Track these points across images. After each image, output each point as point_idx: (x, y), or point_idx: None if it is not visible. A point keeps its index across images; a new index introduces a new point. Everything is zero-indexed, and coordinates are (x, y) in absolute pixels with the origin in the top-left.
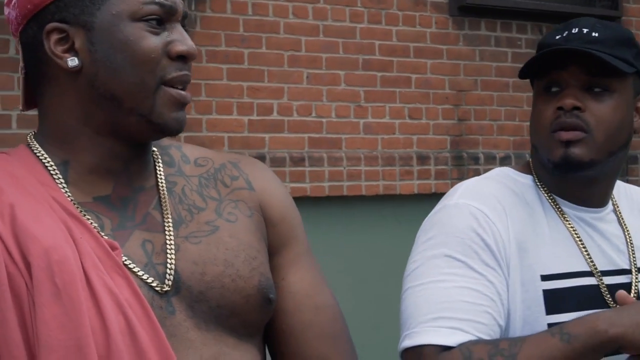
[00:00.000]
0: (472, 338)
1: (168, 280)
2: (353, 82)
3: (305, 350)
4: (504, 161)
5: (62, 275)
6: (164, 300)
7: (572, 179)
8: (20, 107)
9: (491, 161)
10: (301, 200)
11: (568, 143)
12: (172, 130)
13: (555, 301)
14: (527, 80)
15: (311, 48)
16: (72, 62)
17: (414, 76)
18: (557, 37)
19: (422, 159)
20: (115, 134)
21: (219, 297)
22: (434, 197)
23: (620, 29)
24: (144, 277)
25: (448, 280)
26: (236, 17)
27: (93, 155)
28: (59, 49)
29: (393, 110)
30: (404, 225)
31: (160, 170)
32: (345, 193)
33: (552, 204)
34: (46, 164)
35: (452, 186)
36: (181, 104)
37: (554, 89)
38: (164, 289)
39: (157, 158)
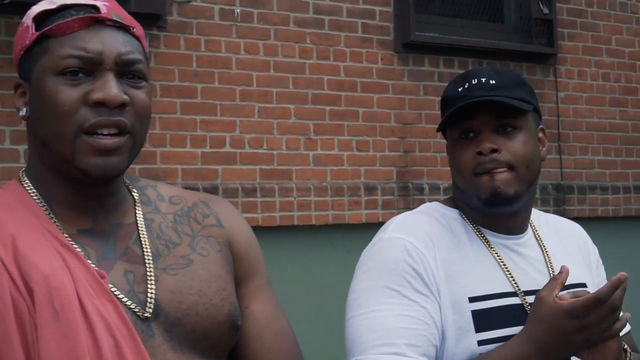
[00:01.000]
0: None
1: (149, 307)
2: (303, 116)
3: None
4: (448, 191)
5: (60, 300)
6: (144, 324)
7: (496, 213)
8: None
9: (435, 191)
10: (253, 230)
11: (493, 182)
12: (94, 176)
13: (483, 320)
14: None
15: (262, 83)
16: (21, 112)
17: (361, 110)
18: (460, 89)
19: (370, 190)
20: (67, 176)
21: (193, 323)
22: (381, 226)
23: (512, 73)
24: (128, 302)
25: (385, 310)
26: (189, 53)
27: (63, 193)
28: (20, 102)
29: (341, 142)
30: (353, 253)
31: (138, 208)
32: (295, 223)
33: (477, 233)
34: (35, 199)
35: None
36: (102, 151)
37: (470, 135)
38: (144, 315)
39: (137, 198)
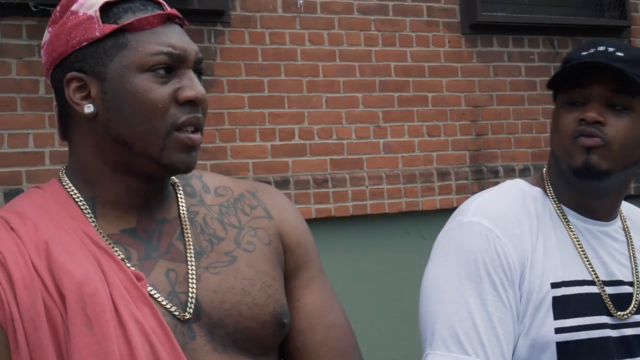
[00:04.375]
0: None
1: (189, 308)
2: (371, 104)
3: None
4: (523, 173)
5: (93, 306)
6: (185, 326)
7: (584, 189)
8: (59, 138)
9: (510, 174)
10: (326, 221)
11: (589, 150)
12: (180, 171)
13: (562, 307)
14: (542, 93)
15: (328, 73)
16: (88, 109)
17: (430, 95)
18: (584, 54)
19: (443, 175)
20: (130, 173)
21: (236, 323)
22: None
23: None
24: (167, 305)
25: (463, 303)
26: (254, 46)
27: (115, 192)
28: (77, 96)
29: (411, 128)
30: (429, 240)
31: (182, 202)
32: (368, 212)
33: (559, 214)
34: (76, 199)
35: None
36: (190, 147)
37: (578, 101)
38: (185, 317)
39: (179, 190)
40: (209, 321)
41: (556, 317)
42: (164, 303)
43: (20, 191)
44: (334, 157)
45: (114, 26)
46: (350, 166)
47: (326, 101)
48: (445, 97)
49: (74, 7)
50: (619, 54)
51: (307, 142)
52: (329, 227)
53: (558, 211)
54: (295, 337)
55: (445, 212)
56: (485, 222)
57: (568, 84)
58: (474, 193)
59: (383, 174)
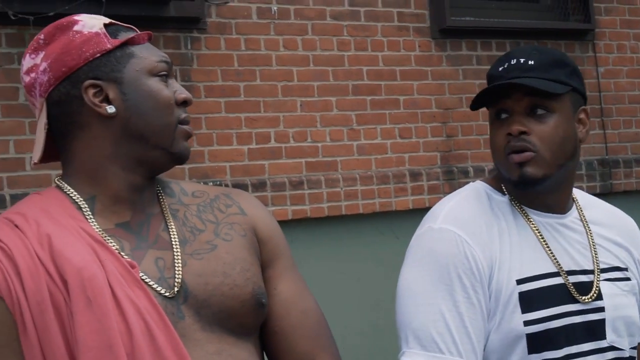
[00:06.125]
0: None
1: (177, 287)
2: (344, 107)
3: (294, 347)
4: (492, 173)
5: (92, 289)
6: (175, 307)
7: (531, 192)
8: (34, 161)
9: (480, 174)
10: (302, 222)
11: (521, 164)
12: (185, 157)
13: (529, 301)
14: None
15: (303, 77)
16: (110, 109)
17: (401, 98)
18: (500, 69)
19: (415, 176)
20: (137, 167)
21: (220, 303)
22: (429, 210)
23: (553, 52)
24: (158, 288)
25: (436, 305)
26: (230, 52)
27: (116, 188)
28: (97, 100)
29: (384, 131)
30: (402, 239)
31: (163, 200)
32: (343, 212)
33: (521, 213)
34: (75, 199)
35: None
36: (189, 137)
37: (503, 116)
38: (173, 295)
39: (160, 191)
40: (195, 302)
41: (524, 311)
42: (155, 287)
43: (3, 197)
44: (309, 159)
45: (121, 40)
46: (325, 168)
47: (301, 105)
48: (416, 100)
49: (76, 28)
50: (530, 62)
51: (283, 145)
52: (304, 228)
53: (519, 210)
54: (273, 322)
55: (418, 212)
56: (454, 229)
57: (492, 100)
58: (445, 193)
59: (357, 176)
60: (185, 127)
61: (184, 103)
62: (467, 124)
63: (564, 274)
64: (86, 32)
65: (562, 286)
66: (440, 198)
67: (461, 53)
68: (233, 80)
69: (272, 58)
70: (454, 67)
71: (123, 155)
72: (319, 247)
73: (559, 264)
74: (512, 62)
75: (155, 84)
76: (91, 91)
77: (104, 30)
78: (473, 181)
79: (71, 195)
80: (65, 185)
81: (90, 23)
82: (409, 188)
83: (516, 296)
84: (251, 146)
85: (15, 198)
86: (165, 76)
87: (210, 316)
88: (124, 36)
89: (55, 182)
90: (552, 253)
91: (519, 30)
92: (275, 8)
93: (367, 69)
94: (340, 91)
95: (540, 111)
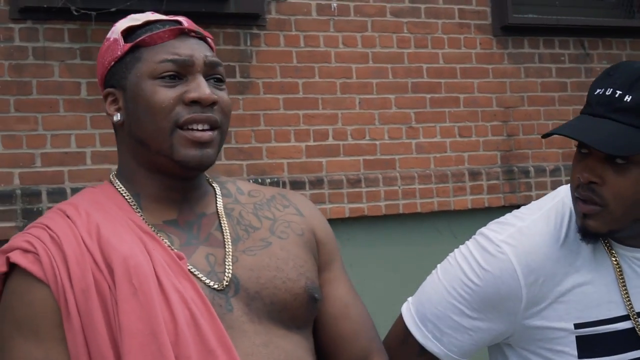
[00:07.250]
0: (445, 353)
1: (225, 280)
2: (403, 105)
3: (350, 349)
4: (554, 173)
5: (138, 277)
6: (223, 299)
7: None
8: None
9: (541, 174)
10: (359, 220)
11: (585, 215)
12: (192, 166)
13: (588, 345)
14: (573, 94)
15: (362, 75)
16: (116, 117)
17: (462, 96)
18: (596, 92)
19: (474, 175)
20: (159, 171)
21: (272, 295)
22: (487, 211)
23: None
24: (207, 281)
25: (442, 295)
26: (289, 49)
27: (153, 188)
28: (112, 108)
29: (443, 129)
30: (460, 238)
31: (219, 200)
32: (401, 211)
33: (604, 245)
34: (124, 195)
35: (504, 200)
36: (199, 143)
37: (583, 150)
38: (223, 287)
39: (217, 191)
40: (246, 295)
41: (580, 356)
42: (203, 279)
43: (63, 190)
44: (367, 157)
45: (130, 44)
46: (383, 166)
47: (359, 102)
48: (476, 98)
49: (108, 34)
50: (627, 98)
51: (341, 142)
52: (362, 226)
53: (602, 241)
54: (332, 324)
55: (477, 212)
56: (512, 258)
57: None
58: (505, 193)
59: (415, 174)
60: (188, 132)
61: (197, 103)
62: (529, 123)
63: (634, 316)
64: (111, 39)
65: (631, 331)
66: (499, 198)
67: (523, 51)
68: (292, 77)
69: (331, 55)
70: (515, 65)
71: (141, 160)
72: (375, 246)
73: (632, 306)
74: (607, 91)
75: (150, 87)
76: (109, 99)
77: (120, 35)
78: (534, 181)
79: (121, 191)
80: (117, 181)
81: (118, 27)
82: (468, 187)
83: (573, 339)
84: (309, 143)
85: (75, 191)
86: (175, 76)
87: (261, 309)
88: (137, 38)
89: (110, 178)
90: (626, 293)
91: (582, 27)
92: (335, 5)
93: (427, 67)
94: (400, 89)
95: (620, 160)
